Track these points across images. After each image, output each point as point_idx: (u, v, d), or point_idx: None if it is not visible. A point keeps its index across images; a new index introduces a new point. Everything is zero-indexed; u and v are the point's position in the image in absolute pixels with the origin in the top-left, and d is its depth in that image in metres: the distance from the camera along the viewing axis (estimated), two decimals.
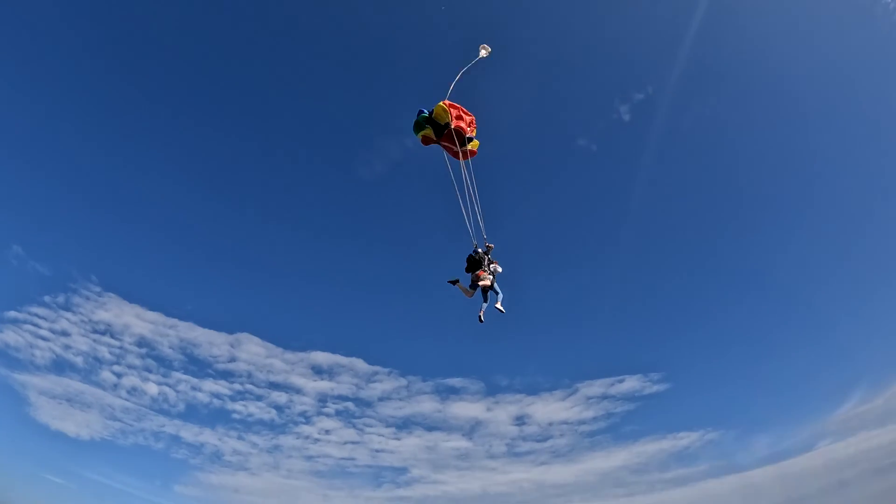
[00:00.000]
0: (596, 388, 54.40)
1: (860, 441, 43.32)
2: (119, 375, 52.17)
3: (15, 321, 48.78)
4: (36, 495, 46.70)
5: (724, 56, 58.79)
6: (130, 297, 54.77)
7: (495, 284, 13.18)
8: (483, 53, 14.94)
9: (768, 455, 48.18)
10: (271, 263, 68.42)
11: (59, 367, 50.18)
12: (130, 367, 52.75)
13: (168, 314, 55.26)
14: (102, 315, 53.34)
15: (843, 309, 53.88)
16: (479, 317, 12.82)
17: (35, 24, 54.58)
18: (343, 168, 67.66)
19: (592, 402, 54.20)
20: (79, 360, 50.93)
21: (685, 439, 50.53)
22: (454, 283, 13.29)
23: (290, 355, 57.35)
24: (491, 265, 13.37)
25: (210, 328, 56.29)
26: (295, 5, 62.08)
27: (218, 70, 63.52)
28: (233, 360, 56.33)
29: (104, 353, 52.14)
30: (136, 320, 54.71)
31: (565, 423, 54.43)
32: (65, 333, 50.68)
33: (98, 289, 53.44)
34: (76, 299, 52.57)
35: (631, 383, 53.93)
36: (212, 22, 61.57)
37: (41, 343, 49.39)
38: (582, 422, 54.09)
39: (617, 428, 53.70)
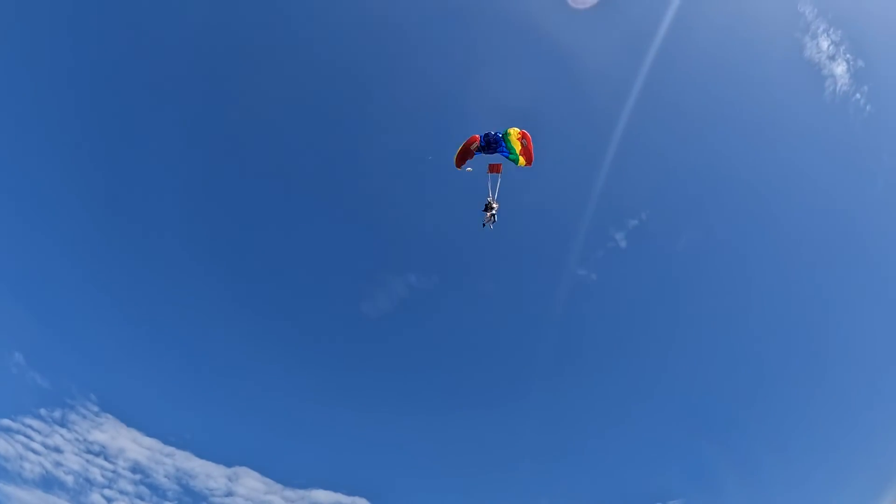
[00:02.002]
0: None
1: None
2: (110, 500, 46.84)
3: (8, 430, 45.37)
4: None
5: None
6: (128, 420, 52.01)
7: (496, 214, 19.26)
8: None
9: None
10: (274, 399, 65.77)
11: (48, 483, 45.17)
12: (122, 492, 47.72)
13: (166, 441, 52.13)
14: (98, 436, 50.16)
15: (869, 415, 52.81)
16: (484, 223, 18.84)
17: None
18: (348, 306, 69.29)
19: None
20: (69, 479, 46.06)
21: None
22: (487, 217, 19.09)
23: (290, 493, 53.22)
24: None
25: (208, 459, 52.91)
26: (290, 145, 69.92)
27: (215, 200, 68.23)
28: (230, 494, 52.05)
29: (96, 474, 47.53)
30: (132, 445, 51.36)
31: None
32: (57, 450, 46.72)
33: (96, 408, 51.00)
34: (73, 416, 49.66)
35: None
36: (212, 149, 68.06)
37: (32, 456, 45.23)
38: None
39: None
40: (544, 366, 66.04)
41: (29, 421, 46.74)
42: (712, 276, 64.38)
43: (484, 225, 19.05)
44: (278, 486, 53.13)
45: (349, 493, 52.68)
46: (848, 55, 50.75)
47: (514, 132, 17.39)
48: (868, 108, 52.91)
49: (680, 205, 64.12)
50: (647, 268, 64.31)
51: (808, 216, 62.14)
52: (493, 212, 19.11)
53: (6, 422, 45.77)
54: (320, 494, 53.29)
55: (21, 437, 45.71)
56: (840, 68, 50.89)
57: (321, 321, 67.42)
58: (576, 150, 63.38)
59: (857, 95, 51.62)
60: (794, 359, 60.02)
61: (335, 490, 53.23)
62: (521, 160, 17.89)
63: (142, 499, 48.42)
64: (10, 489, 44.02)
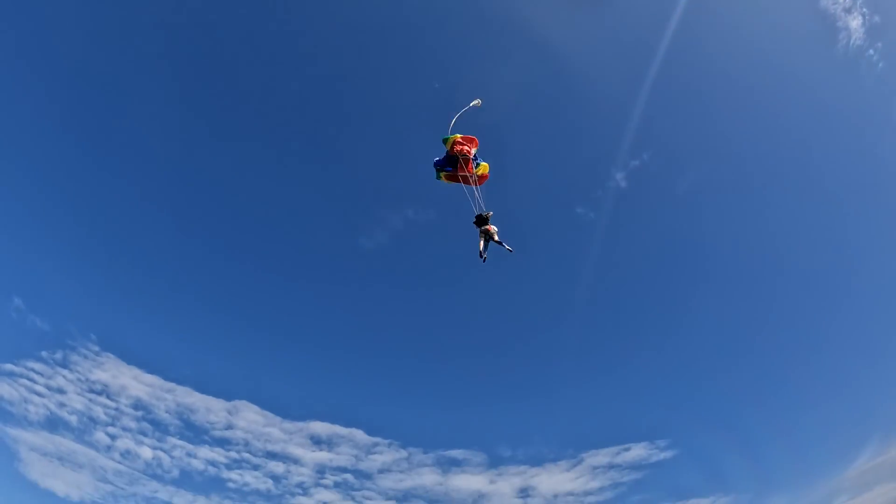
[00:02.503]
0: (601, 457, 53.22)
1: (877, 495, 42.53)
2: (113, 437, 49.99)
3: (11, 374, 47.56)
4: None
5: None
6: (129, 358, 53.98)
7: (497, 237, 16.88)
8: (476, 103, 17.99)
9: None
10: (272, 331, 68.10)
11: (53, 424, 48.16)
12: (125, 429, 50.77)
13: (166, 378, 54.22)
14: (100, 375, 52.24)
15: (850, 364, 54.68)
16: (481, 253, 16.53)
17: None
18: (345, 238, 69.70)
19: (598, 472, 52.72)
20: (73, 419, 48.99)
21: None
22: (483, 246, 16.79)
23: (288, 424, 55.80)
24: (493, 227, 16.98)
25: (208, 394, 55.15)
26: (293, 79, 67.10)
27: (221, 135, 66.88)
28: (230, 427, 54.61)
29: (99, 413, 50.33)
30: (133, 382, 53.52)
31: (571, 494, 52.44)
32: (60, 391, 49.20)
33: (96, 348, 52.75)
34: (74, 357, 51.66)
35: (637, 451, 52.95)
36: (213, 89, 65.89)
37: (36, 399, 47.78)
38: (588, 493, 52.17)
39: (625, 498, 51.80)
40: (539, 304, 67.56)
41: (31, 364, 49.05)
42: (713, 221, 63.90)
43: (482, 256, 16.62)
44: (277, 419, 56.39)
45: (346, 425, 56.09)
46: (864, 9, 48.35)
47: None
48: (881, 64, 50.31)
49: (684, 147, 62.25)
50: (647, 209, 63.72)
51: (813, 167, 60.48)
52: (491, 232, 16.84)
53: (9, 366, 47.88)
54: (318, 426, 56.74)
55: (24, 381, 48.03)
56: (855, 22, 48.69)
57: (319, 255, 68.57)
58: (579, 85, 60.88)
59: (871, 51, 49.29)
60: (787, 312, 60.99)
61: (332, 422, 56.55)
62: (482, 167, 17.78)
63: (144, 435, 51.46)
64: (16, 432, 46.92)
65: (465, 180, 17.33)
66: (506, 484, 54.18)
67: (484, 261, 16.69)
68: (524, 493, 53.21)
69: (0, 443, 45.94)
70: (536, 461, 54.98)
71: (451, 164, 17.46)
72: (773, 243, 62.52)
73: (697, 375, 62.14)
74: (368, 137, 66.94)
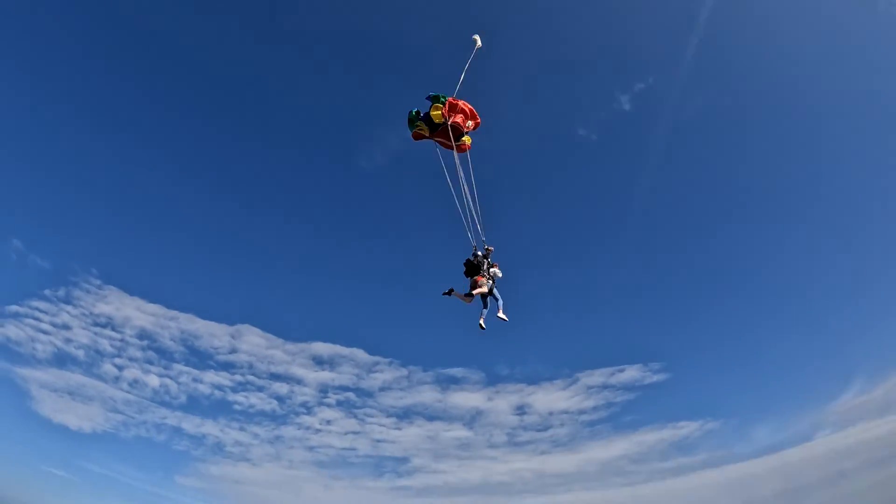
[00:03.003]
0: (596, 377, 54.75)
1: (860, 432, 43.45)
2: (120, 368, 52.47)
3: (16, 315, 48.92)
4: (39, 489, 47.11)
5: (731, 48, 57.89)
6: (131, 289, 54.91)
7: (495, 290, 12.75)
8: (478, 42, 14.19)
9: (767, 445, 48.57)
10: (271, 255, 68.43)
11: (61, 360, 50.43)
12: (132, 359, 53.08)
13: (169, 306, 55.49)
14: (103, 308, 53.53)
15: (842, 300, 53.87)
16: (480, 324, 12.32)
17: (37, 21, 53.81)
18: (343, 159, 67.26)
19: (593, 392, 54.54)
20: (80, 354, 51.18)
21: (685, 429, 50.90)
22: (448, 293, 12.74)
23: (290, 346, 57.63)
24: (491, 269, 12.94)
25: (210, 320, 56.60)
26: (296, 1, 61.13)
27: (217, 64, 62.93)
28: (234, 351, 56.63)
29: (105, 345, 52.41)
30: (136, 313, 54.91)
31: (566, 412, 54.78)
32: (66, 327, 50.89)
33: (98, 282, 53.48)
34: (77, 293, 52.70)
35: (631, 373, 54.22)
36: (212, 15, 60.72)
37: (42, 337, 49.60)
38: (582, 411, 54.43)
39: (617, 417, 54.13)
40: (538, 224, 66.44)
41: (35, 303, 50.34)
42: (716, 149, 60.06)
43: (482, 326, 12.39)
44: (279, 341, 58.57)
45: (347, 345, 58.25)
46: None
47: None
48: None
49: (694, 73, 56.92)
50: (650, 133, 59.91)
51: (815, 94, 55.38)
52: (489, 285, 12.60)
53: (13, 308, 49.11)
54: (319, 346, 59.00)
55: (29, 320, 49.54)
56: None
57: (317, 175, 67.11)
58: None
59: None
60: (784, 242, 59.10)
61: (333, 342, 58.72)
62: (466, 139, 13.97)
63: (150, 363, 53.90)
64: (26, 372, 49.19)
65: (447, 146, 13.70)
66: (503, 401, 56.90)
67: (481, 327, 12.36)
68: (520, 410, 55.96)
69: (11, 383, 48.31)
70: (533, 380, 57.17)
71: (433, 129, 13.74)
72: (774, 173, 59.18)
73: (694, 302, 62.01)
74: (368, 53, 62.10)
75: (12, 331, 49.00)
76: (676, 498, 47.57)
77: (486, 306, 12.67)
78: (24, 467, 48.31)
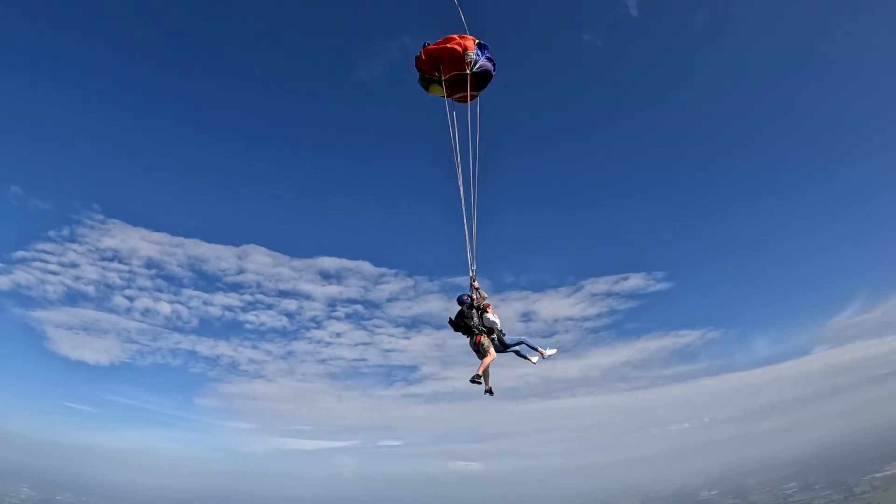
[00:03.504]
0: (601, 285, 55.70)
1: (856, 349, 44.76)
2: (131, 299, 53.93)
3: (23, 260, 49.18)
4: (65, 426, 50.11)
5: None
6: (134, 220, 54.84)
7: (506, 339, 10.81)
8: None
9: (766, 356, 50.47)
10: (272, 172, 66.96)
11: (72, 298, 51.55)
12: (141, 289, 54.39)
13: (173, 233, 56.01)
14: (108, 242, 53.77)
15: (850, 218, 52.76)
16: (488, 390, 10.60)
17: None
18: (342, 70, 63.21)
19: (597, 300, 55.80)
20: (90, 290, 52.24)
21: (686, 337, 52.55)
22: (477, 381, 10.43)
23: (297, 262, 58.64)
24: (484, 315, 10.84)
25: (216, 242, 57.32)
26: None
27: None
28: (241, 272, 57.70)
29: (114, 278, 53.47)
30: (142, 243, 55.33)
31: (570, 319, 56.45)
32: (73, 265, 51.41)
33: (101, 216, 53.17)
34: (80, 230, 52.62)
35: (635, 281, 54.98)
36: None
37: (51, 278, 50.33)
38: (586, 318, 56.07)
39: (620, 325, 55.92)
40: (542, 130, 64.47)
41: (40, 246, 50.52)
42: (725, 59, 56.14)
43: (486, 391, 10.64)
44: (285, 258, 59.72)
45: (353, 258, 59.04)
46: None
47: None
48: None
49: None
50: (658, 40, 55.80)
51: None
52: (495, 339, 10.53)
53: (20, 253, 49.21)
54: (325, 261, 60.19)
55: (37, 263, 49.87)
56: None
57: (314, 88, 64.12)
58: None
59: None
60: (791, 155, 57.08)
61: (339, 256, 59.53)
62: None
63: (160, 291, 55.02)
64: (39, 314, 50.24)
65: (461, 97, 12.35)
66: (509, 308, 58.61)
67: (490, 393, 10.56)
68: (526, 317, 57.97)
69: (26, 327, 49.61)
70: (538, 287, 58.73)
71: (431, 70, 12.54)
72: (783, 88, 55.43)
73: (699, 212, 61.32)
74: None
75: (21, 276, 49.67)
76: (677, 404, 50.20)
77: (519, 354, 10.94)
78: (47, 406, 51.36)
